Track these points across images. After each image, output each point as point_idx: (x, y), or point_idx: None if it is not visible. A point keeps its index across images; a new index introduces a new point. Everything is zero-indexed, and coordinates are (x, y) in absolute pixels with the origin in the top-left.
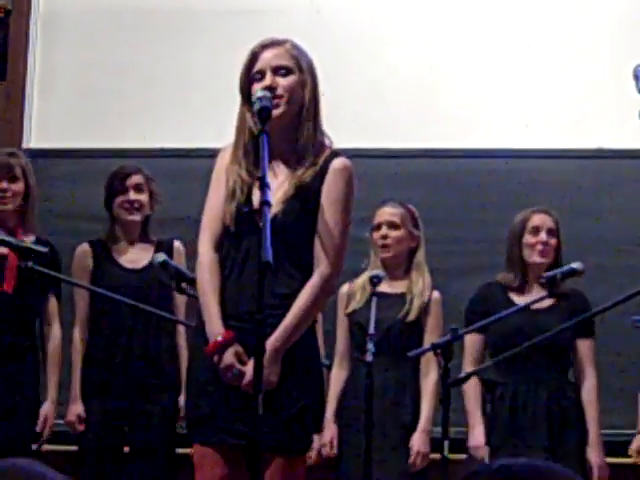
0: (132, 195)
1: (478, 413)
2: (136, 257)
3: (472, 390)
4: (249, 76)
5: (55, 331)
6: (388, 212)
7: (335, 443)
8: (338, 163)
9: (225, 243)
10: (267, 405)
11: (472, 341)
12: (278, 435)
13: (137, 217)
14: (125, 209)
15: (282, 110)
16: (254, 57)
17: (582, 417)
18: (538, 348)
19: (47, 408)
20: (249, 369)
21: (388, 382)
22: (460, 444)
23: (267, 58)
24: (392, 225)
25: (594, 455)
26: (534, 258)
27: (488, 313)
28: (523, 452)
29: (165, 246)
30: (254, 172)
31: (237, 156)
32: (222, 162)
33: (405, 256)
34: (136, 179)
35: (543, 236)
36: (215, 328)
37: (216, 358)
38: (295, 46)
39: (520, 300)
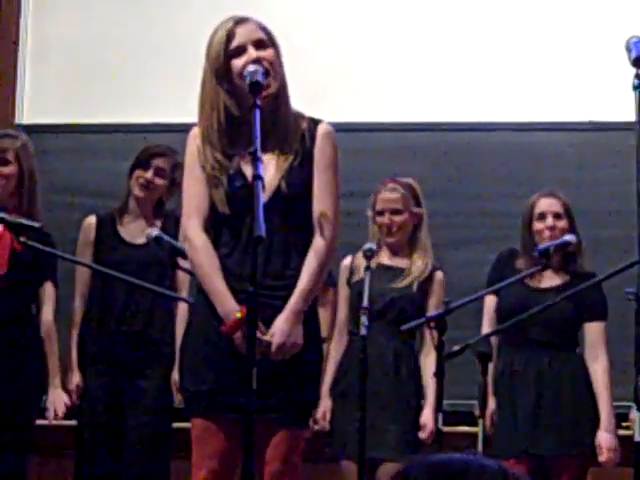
0: (149, 174)
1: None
2: (139, 232)
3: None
4: (227, 53)
5: (46, 315)
6: (389, 199)
7: (328, 417)
8: (324, 129)
9: (219, 227)
10: (269, 379)
11: (489, 304)
12: (279, 408)
13: (143, 194)
14: (138, 185)
15: (277, 86)
16: (230, 35)
17: (588, 392)
18: (541, 326)
19: (53, 397)
20: (273, 336)
21: (387, 352)
22: (454, 417)
23: (245, 33)
24: (395, 211)
25: (605, 438)
26: (545, 244)
27: (502, 278)
28: (513, 423)
29: (171, 217)
30: (232, 154)
31: (210, 137)
32: (192, 146)
33: (409, 234)
34: (161, 162)
35: (549, 221)
36: (229, 306)
37: (239, 335)
38: (259, 21)
39: (533, 282)
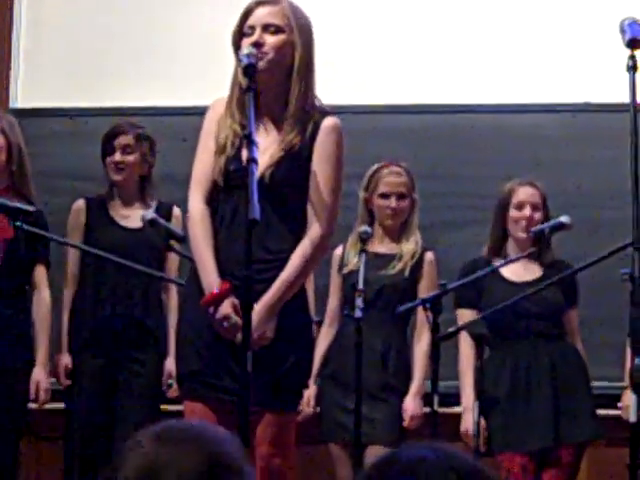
0: (118, 156)
1: (471, 397)
2: (131, 217)
3: (467, 369)
4: (241, 31)
5: (43, 296)
6: (397, 182)
7: (312, 402)
8: (328, 122)
9: (216, 198)
10: (258, 361)
11: (465, 317)
12: (270, 391)
13: (120, 177)
14: (111, 169)
15: (263, 66)
16: (248, 12)
17: (586, 380)
18: (532, 319)
19: (37, 373)
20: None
21: (375, 340)
22: (449, 398)
23: (260, 15)
24: (401, 196)
25: None
26: (518, 233)
27: (479, 289)
28: (527, 418)
29: (164, 210)
30: (246, 126)
31: (231, 109)
32: (212, 115)
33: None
34: (124, 140)
35: (527, 212)
36: (211, 280)
37: (212, 309)
38: (292, 5)
39: (512, 277)
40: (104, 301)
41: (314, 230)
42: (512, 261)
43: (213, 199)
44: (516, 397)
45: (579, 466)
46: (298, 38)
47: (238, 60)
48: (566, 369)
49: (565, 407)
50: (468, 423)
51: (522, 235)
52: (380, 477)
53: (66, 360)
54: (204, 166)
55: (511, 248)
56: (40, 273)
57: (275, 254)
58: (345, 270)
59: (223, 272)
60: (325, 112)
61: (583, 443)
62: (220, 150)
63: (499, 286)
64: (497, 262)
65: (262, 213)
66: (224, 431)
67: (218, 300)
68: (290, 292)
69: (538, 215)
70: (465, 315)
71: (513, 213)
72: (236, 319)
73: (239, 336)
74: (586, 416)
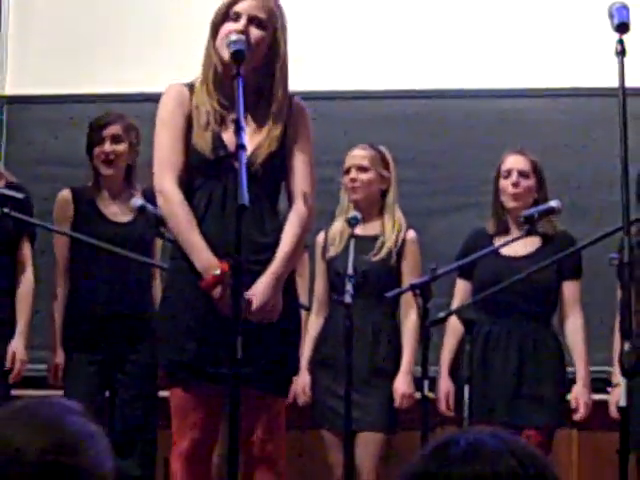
0: (108, 146)
1: (447, 364)
2: (119, 210)
3: (449, 337)
4: (226, 13)
5: (27, 275)
6: (357, 155)
7: (307, 390)
8: (299, 102)
9: (196, 182)
10: (249, 347)
11: (459, 288)
12: (260, 377)
13: (110, 171)
14: (102, 161)
15: (255, 62)
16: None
17: (557, 363)
18: (518, 293)
19: (15, 343)
20: (253, 295)
21: (365, 325)
22: None
23: (248, 5)
24: (361, 168)
25: (580, 393)
26: (508, 203)
27: (475, 261)
28: (490, 392)
29: (150, 194)
30: (225, 104)
31: (208, 89)
32: (169, 100)
33: (376, 198)
34: (113, 129)
35: (514, 178)
36: (209, 262)
37: (217, 291)
38: (277, 4)
39: (506, 250)
40: (97, 296)
41: (299, 205)
42: (511, 242)
43: (184, 180)
44: (485, 370)
45: (550, 449)
46: (282, 35)
47: (213, 45)
48: (537, 353)
49: (526, 390)
50: (440, 390)
51: (511, 204)
52: (438, 459)
53: (59, 359)
54: (173, 150)
55: (510, 221)
56: (25, 251)
57: (270, 236)
58: (328, 255)
59: (217, 256)
60: (290, 95)
61: (546, 427)
62: (204, 126)
63: (492, 260)
64: (497, 237)
65: (253, 196)
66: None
67: (221, 281)
68: (290, 266)
69: (527, 182)
70: (460, 286)
71: (502, 182)
72: (245, 296)
73: (255, 308)
74: (546, 402)
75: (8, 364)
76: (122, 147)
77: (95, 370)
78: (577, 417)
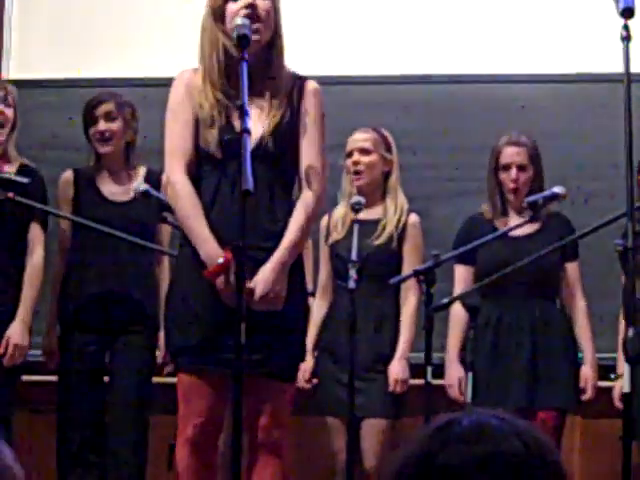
0: (101, 125)
1: (456, 350)
2: (120, 190)
3: (456, 325)
4: None
5: (36, 257)
6: (359, 138)
7: (307, 377)
8: (311, 85)
9: (205, 169)
10: (257, 333)
11: (460, 274)
12: (266, 363)
13: (108, 148)
14: (98, 140)
15: (261, 36)
16: None
17: (569, 344)
18: (523, 275)
19: (13, 329)
20: (256, 284)
21: (368, 311)
22: (443, 369)
23: None
24: (363, 151)
25: (588, 374)
26: (508, 196)
27: (473, 246)
28: (505, 377)
29: (153, 178)
30: (231, 93)
31: (211, 77)
32: (181, 86)
33: (379, 181)
34: (105, 107)
35: (513, 174)
36: (212, 250)
37: (220, 280)
38: None
39: (501, 225)
40: (93, 276)
41: (307, 194)
42: (515, 228)
43: (194, 170)
44: (497, 355)
45: (562, 432)
46: (277, 3)
47: (217, 21)
48: (548, 334)
49: (542, 372)
50: (452, 376)
51: (511, 197)
52: (439, 439)
53: (53, 339)
54: (183, 138)
55: (509, 204)
56: (34, 233)
57: (279, 222)
58: (330, 240)
59: (226, 243)
60: (301, 76)
61: (561, 409)
62: (209, 122)
63: (495, 242)
64: (497, 220)
65: (264, 182)
66: None
67: (224, 270)
68: (295, 253)
69: (526, 175)
70: (459, 271)
71: (501, 175)
72: (248, 285)
73: (257, 296)
74: (562, 383)
75: (1, 349)
76: (116, 125)
77: (90, 349)
78: (585, 397)
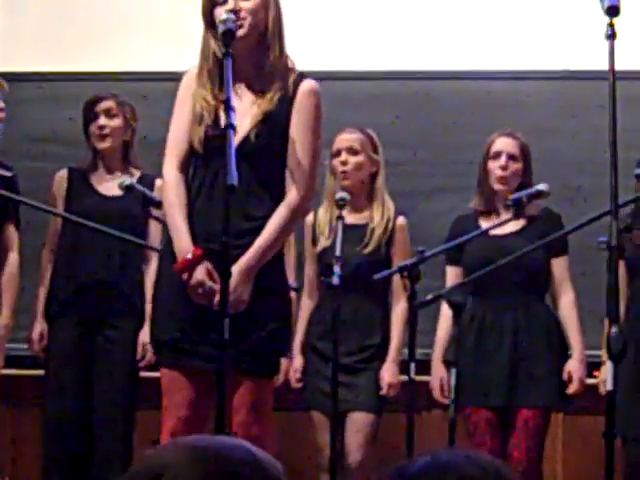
0: (102, 120)
1: (441, 350)
2: (111, 185)
3: (443, 323)
4: (211, 0)
5: (12, 258)
6: (347, 138)
7: (298, 376)
8: (306, 86)
9: (195, 165)
10: (236, 328)
11: (450, 275)
12: (247, 358)
13: (106, 144)
14: (97, 136)
15: (245, 31)
16: None
17: (555, 342)
18: (508, 273)
19: None
20: (217, 286)
21: (357, 317)
22: (427, 366)
23: None
24: (351, 150)
25: (575, 367)
26: (495, 185)
27: (461, 245)
28: (486, 376)
29: (146, 181)
30: (219, 95)
31: (202, 80)
32: (187, 83)
33: (366, 182)
34: (106, 104)
35: (502, 161)
36: (184, 245)
37: (186, 275)
38: None
39: (486, 224)
40: (80, 268)
41: (292, 195)
42: (498, 225)
43: (188, 166)
44: (479, 354)
45: (546, 431)
46: (269, 0)
47: (213, 29)
48: (532, 332)
49: (523, 371)
50: (434, 377)
51: (498, 187)
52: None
53: (40, 328)
54: (179, 133)
55: (498, 202)
56: (9, 233)
57: (255, 221)
58: (319, 247)
59: (204, 239)
60: (303, 75)
61: (544, 408)
62: (198, 120)
63: (480, 240)
64: (483, 219)
65: (243, 179)
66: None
67: (191, 266)
68: (266, 257)
69: (515, 166)
70: (450, 273)
71: (490, 164)
72: (210, 285)
73: (215, 301)
74: (545, 382)
75: None
76: (116, 122)
77: (75, 334)
78: (570, 391)
